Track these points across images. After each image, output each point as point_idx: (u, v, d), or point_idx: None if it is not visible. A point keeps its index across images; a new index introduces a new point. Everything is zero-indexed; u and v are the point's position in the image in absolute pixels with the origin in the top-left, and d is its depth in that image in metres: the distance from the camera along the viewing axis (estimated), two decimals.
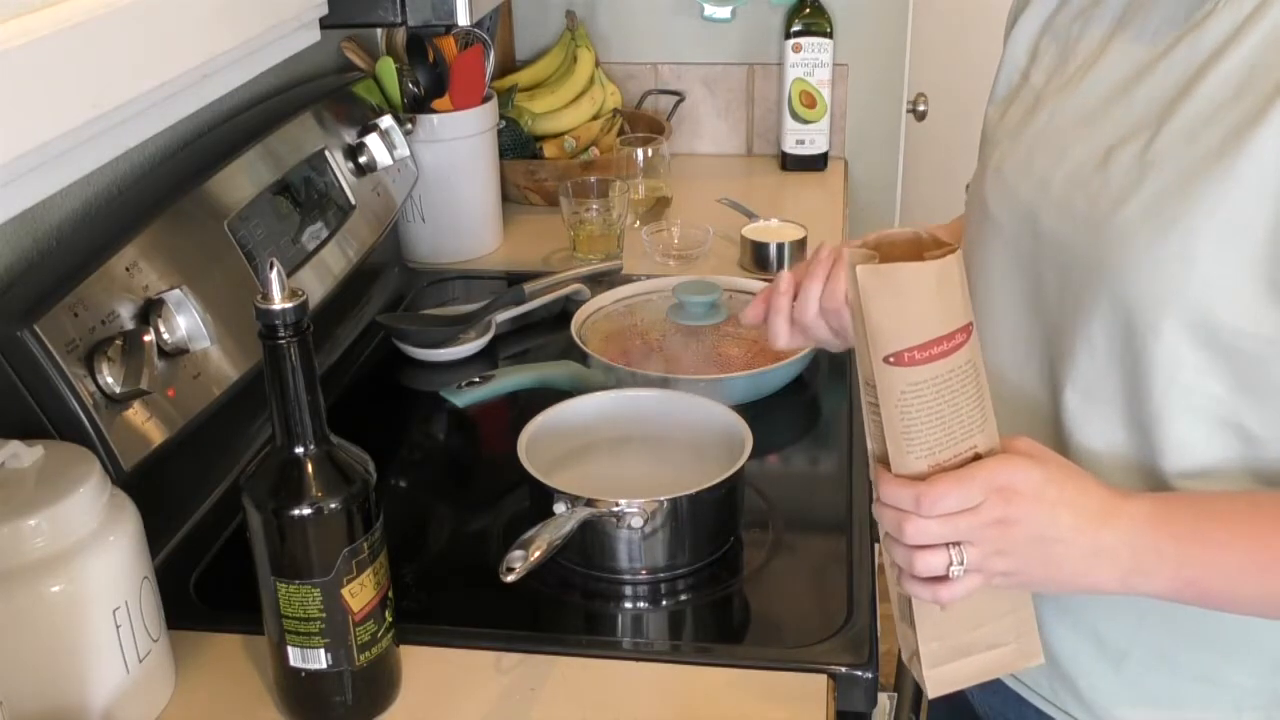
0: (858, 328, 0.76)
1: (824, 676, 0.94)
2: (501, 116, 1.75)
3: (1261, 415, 0.81)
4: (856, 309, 0.76)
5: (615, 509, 1.03)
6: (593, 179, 1.73)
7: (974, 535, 0.76)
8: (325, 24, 0.92)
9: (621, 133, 1.96)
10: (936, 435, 0.76)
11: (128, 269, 1.05)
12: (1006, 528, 0.76)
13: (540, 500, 1.07)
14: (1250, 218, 0.76)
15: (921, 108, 2.17)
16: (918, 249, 0.76)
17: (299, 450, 0.84)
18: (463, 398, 1.28)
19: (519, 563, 0.95)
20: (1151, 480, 0.86)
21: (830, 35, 1.96)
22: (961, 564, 0.76)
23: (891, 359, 0.74)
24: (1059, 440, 0.90)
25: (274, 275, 0.79)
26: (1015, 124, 0.95)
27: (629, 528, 1.04)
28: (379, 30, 1.71)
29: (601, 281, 1.58)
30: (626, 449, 1.19)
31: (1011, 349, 0.94)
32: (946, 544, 0.76)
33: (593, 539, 1.06)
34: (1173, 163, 0.80)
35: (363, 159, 1.48)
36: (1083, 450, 0.89)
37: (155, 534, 0.96)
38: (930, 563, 0.76)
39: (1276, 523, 0.78)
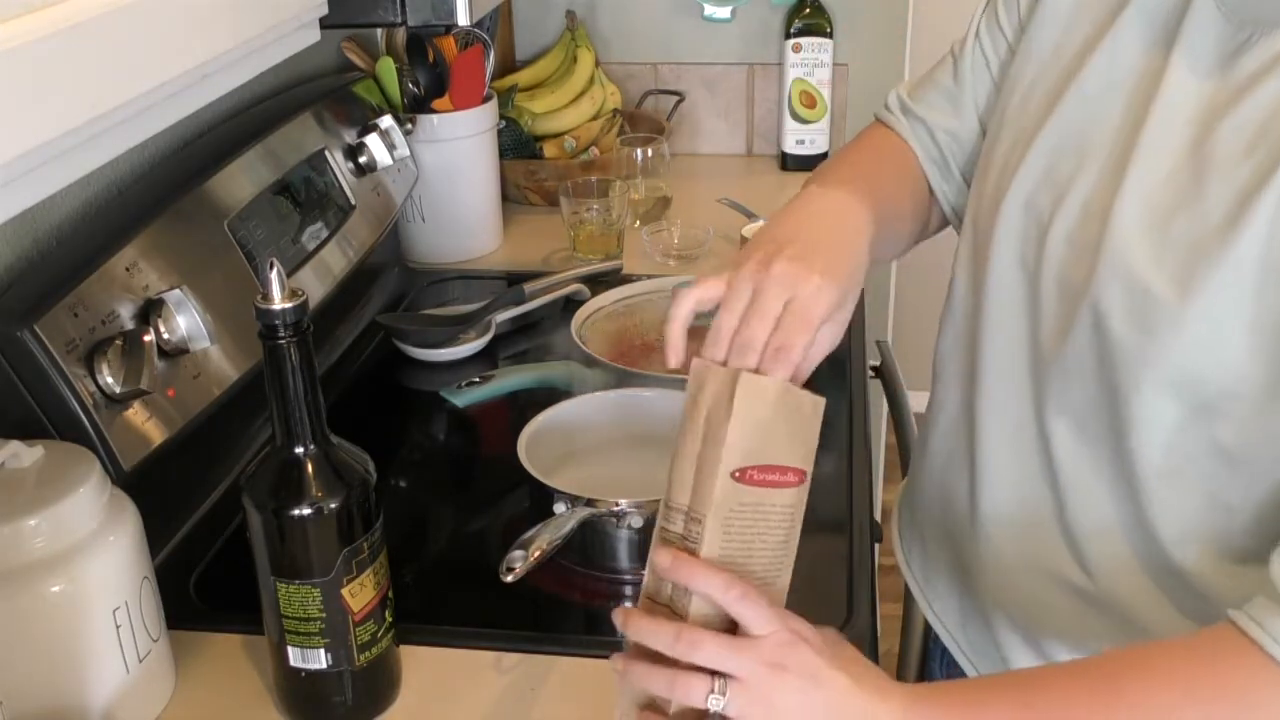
0: (696, 434, 0.74)
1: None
2: (501, 116, 1.75)
3: (1236, 483, 0.78)
4: (714, 416, 0.73)
5: (615, 509, 1.03)
6: (593, 179, 1.73)
7: (747, 670, 0.70)
8: (325, 24, 0.92)
9: (621, 133, 1.96)
10: (738, 565, 0.73)
11: (128, 269, 1.05)
12: (780, 675, 0.70)
13: (540, 500, 1.07)
14: (1247, 285, 0.73)
15: None
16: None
17: (299, 450, 0.84)
18: (463, 398, 1.28)
19: (519, 563, 0.96)
20: (1139, 537, 0.84)
21: (830, 35, 1.96)
22: (723, 696, 0.69)
23: (737, 474, 0.72)
24: (1049, 474, 0.89)
25: (274, 275, 0.79)
26: (1041, 105, 0.90)
27: (629, 528, 1.04)
28: (379, 30, 1.71)
29: (601, 281, 1.58)
30: (626, 449, 1.19)
31: (1001, 363, 0.91)
32: (712, 673, 0.70)
33: (593, 539, 1.06)
34: (1178, 213, 0.77)
35: (363, 159, 1.48)
36: (1074, 491, 0.87)
37: (155, 534, 0.96)
38: (691, 688, 0.70)
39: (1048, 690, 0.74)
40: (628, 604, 1.06)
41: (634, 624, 0.73)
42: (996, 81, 0.98)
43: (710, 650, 0.70)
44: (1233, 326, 0.74)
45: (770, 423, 0.74)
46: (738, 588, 0.71)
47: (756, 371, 0.76)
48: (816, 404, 0.77)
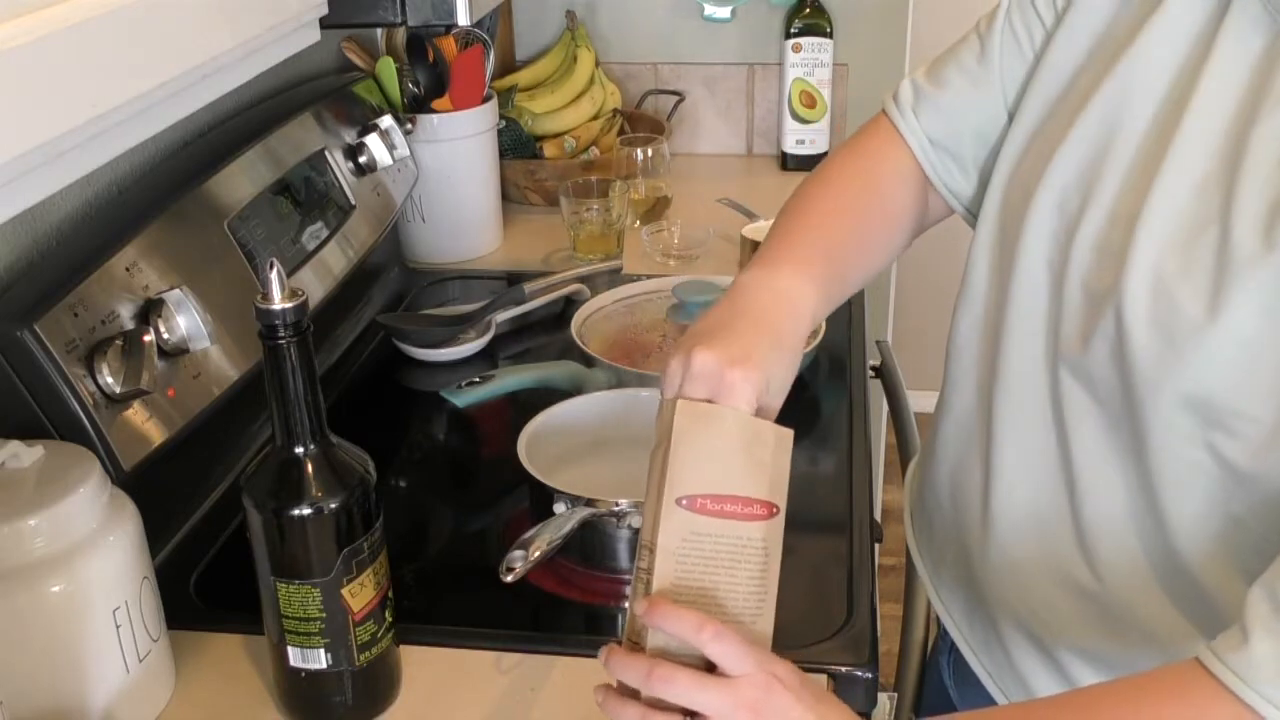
0: (656, 468, 0.74)
1: (824, 676, 0.94)
2: (501, 116, 1.75)
3: (1247, 500, 0.77)
4: (662, 446, 0.73)
5: (615, 509, 1.03)
6: (593, 179, 1.73)
7: (719, 711, 0.68)
8: (325, 24, 0.92)
9: (621, 133, 1.96)
10: (705, 601, 0.72)
11: (128, 269, 1.05)
12: (759, 712, 0.68)
13: (540, 500, 1.07)
14: (1274, 303, 0.72)
15: None
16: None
17: (299, 450, 0.84)
18: (463, 398, 1.28)
19: (519, 563, 0.95)
20: (1156, 544, 0.83)
21: (830, 35, 1.96)
22: None
23: (684, 501, 0.71)
24: (1067, 476, 0.88)
25: (274, 275, 0.79)
26: (1078, 100, 0.87)
27: (629, 528, 1.04)
28: (379, 30, 1.71)
29: (601, 281, 1.58)
30: (626, 449, 1.18)
31: (1022, 360, 0.90)
32: (686, 714, 0.69)
33: (593, 539, 1.06)
34: (1209, 223, 0.75)
35: (363, 159, 1.48)
36: (1092, 493, 0.86)
37: (155, 534, 0.96)
38: None
39: None
40: (626, 605, 1.06)
41: (612, 659, 0.72)
42: (1031, 67, 0.94)
43: (683, 687, 0.69)
44: (1260, 350, 0.73)
45: (722, 451, 0.73)
46: (710, 627, 0.69)
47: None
48: (781, 435, 0.75)
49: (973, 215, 1.00)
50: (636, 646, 0.73)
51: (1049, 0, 0.92)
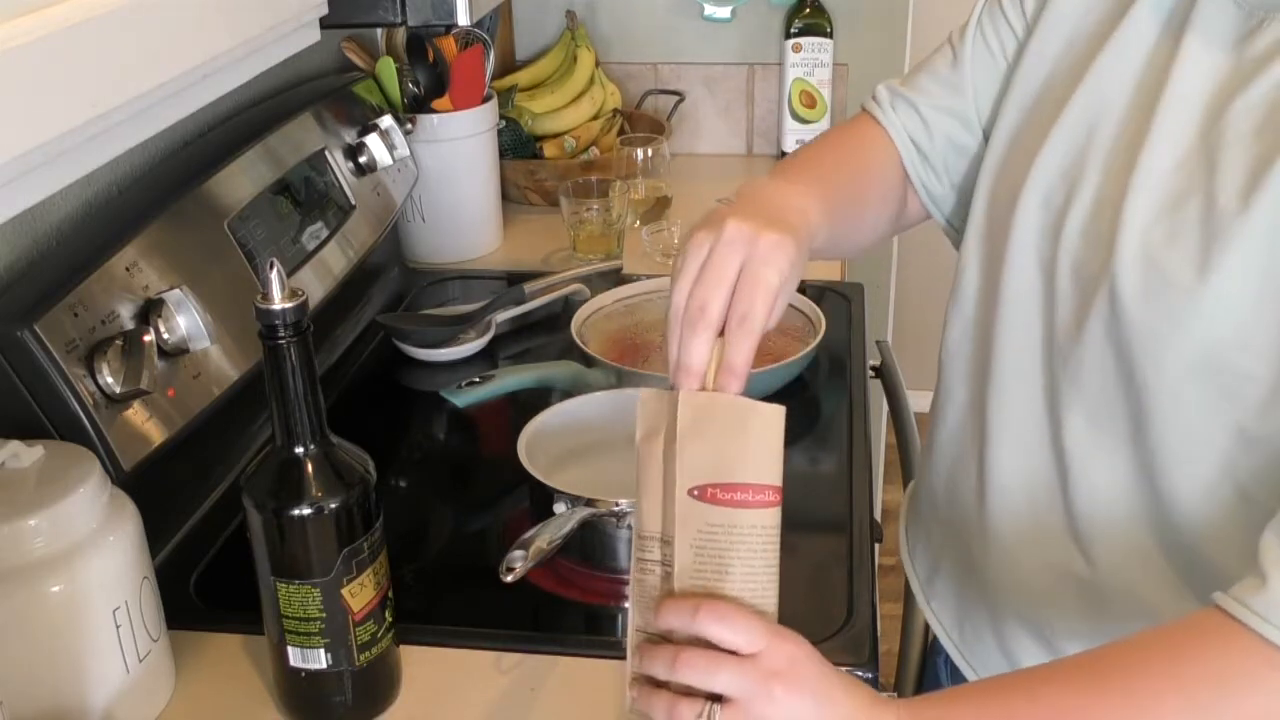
0: (653, 458, 0.73)
1: None
2: (501, 116, 1.75)
3: (1254, 470, 0.78)
4: (667, 438, 0.72)
5: (615, 509, 1.03)
6: (593, 179, 1.73)
7: (740, 689, 0.67)
8: (325, 24, 0.92)
9: (621, 133, 1.96)
10: (722, 591, 0.71)
11: (128, 269, 1.05)
12: (785, 683, 0.68)
13: (540, 500, 1.07)
14: (1262, 262, 0.73)
15: None
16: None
17: (299, 450, 0.84)
18: (463, 398, 1.28)
19: (519, 563, 0.95)
20: (1156, 525, 0.84)
21: (830, 35, 1.96)
22: None
23: (696, 492, 0.71)
24: (1059, 468, 0.88)
25: (274, 275, 0.79)
26: (1056, 101, 0.89)
27: (629, 527, 1.04)
28: (379, 30, 1.71)
29: (601, 281, 1.58)
30: (626, 449, 1.18)
31: (1015, 357, 0.91)
32: (706, 698, 0.68)
33: (593, 539, 1.06)
34: (1191, 195, 0.77)
35: (363, 159, 1.48)
36: (1083, 483, 0.87)
37: (155, 534, 0.96)
38: (681, 713, 0.68)
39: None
40: (627, 604, 1.06)
41: (643, 654, 0.72)
42: (1004, 74, 0.97)
43: (704, 670, 0.68)
44: (1250, 304, 0.74)
45: (729, 437, 0.72)
46: (705, 608, 0.68)
47: (713, 388, 0.74)
48: (776, 413, 0.73)
49: (940, 213, 1.03)
50: (662, 641, 0.72)
51: (1019, 9, 0.96)
